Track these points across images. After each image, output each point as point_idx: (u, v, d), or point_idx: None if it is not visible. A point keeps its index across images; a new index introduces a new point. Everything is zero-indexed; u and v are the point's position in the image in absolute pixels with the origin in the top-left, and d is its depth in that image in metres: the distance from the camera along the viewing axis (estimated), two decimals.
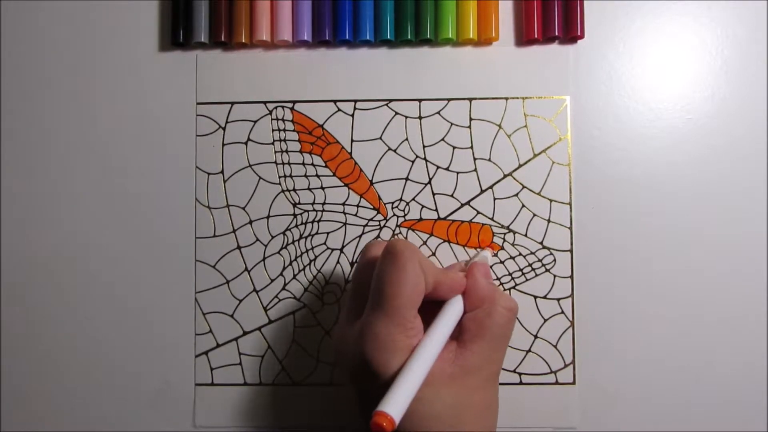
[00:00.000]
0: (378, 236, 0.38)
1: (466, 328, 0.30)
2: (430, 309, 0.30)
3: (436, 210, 0.38)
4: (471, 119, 0.38)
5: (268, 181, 0.38)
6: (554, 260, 0.37)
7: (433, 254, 0.38)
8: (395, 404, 0.25)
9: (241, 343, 0.38)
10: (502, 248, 0.38)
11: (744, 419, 0.37)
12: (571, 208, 0.38)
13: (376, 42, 0.38)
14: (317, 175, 0.38)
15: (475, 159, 0.38)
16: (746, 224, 0.37)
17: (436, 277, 0.29)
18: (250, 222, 0.38)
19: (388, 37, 0.37)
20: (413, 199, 0.38)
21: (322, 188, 0.38)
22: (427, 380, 0.27)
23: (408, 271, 0.28)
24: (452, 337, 0.30)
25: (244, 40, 0.38)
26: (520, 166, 0.38)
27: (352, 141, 0.38)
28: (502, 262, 0.38)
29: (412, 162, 0.38)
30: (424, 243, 0.38)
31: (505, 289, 0.37)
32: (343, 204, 0.38)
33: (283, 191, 0.38)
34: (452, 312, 0.30)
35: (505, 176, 0.38)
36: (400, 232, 0.38)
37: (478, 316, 0.30)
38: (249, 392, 0.38)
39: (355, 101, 0.38)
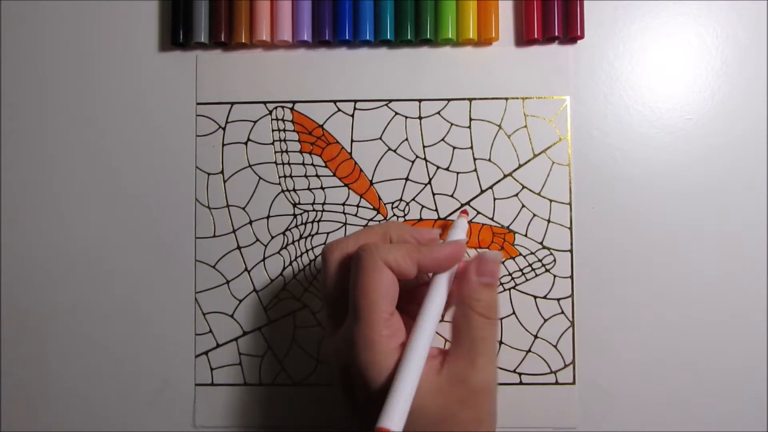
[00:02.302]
0: None
1: (451, 332, 0.29)
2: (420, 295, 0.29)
3: (436, 210, 0.38)
4: (471, 119, 0.38)
5: (268, 181, 0.38)
6: (554, 260, 0.37)
7: None
8: (394, 417, 0.24)
9: (241, 343, 0.38)
10: (500, 246, 0.38)
11: (744, 419, 0.37)
12: (571, 208, 0.38)
13: (376, 42, 0.38)
14: (317, 175, 0.38)
15: (475, 159, 0.38)
16: (746, 224, 0.37)
17: (417, 259, 0.28)
18: (250, 222, 0.38)
19: (388, 37, 0.37)
20: (413, 199, 0.38)
21: (322, 188, 0.38)
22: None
23: (370, 273, 0.27)
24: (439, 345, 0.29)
25: (244, 40, 0.38)
26: (520, 166, 0.38)
27: (352, 141, 0.38)
28: (502, 262, 0.38)
29: (412, 162, 0.38)
30: None
31: (504, 290, 0.37)
32: (343, 204, 0.38)
33: (283, 191, 0.38)
34: (433, 305, 0.28)
35: (505, 176, 0.38)
36: None
37: (456, 319, 0.29)
38: (249, 392, 0.38)
39: (355, 101, 0.38)
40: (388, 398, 0.25)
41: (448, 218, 0.38)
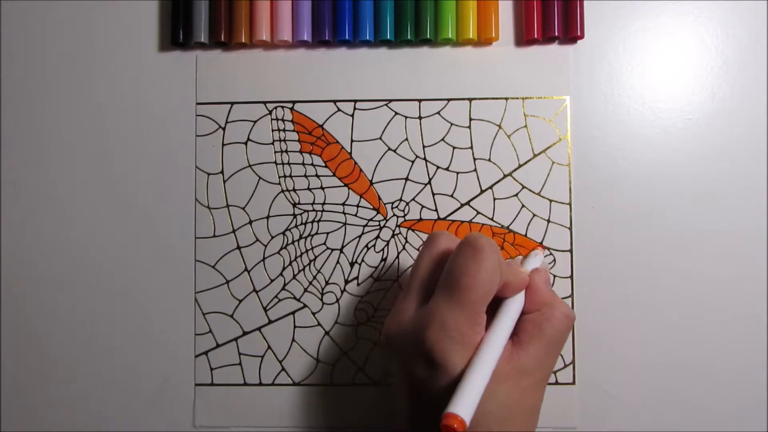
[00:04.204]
0: (378, 236, 0.38)
1: (524, 329, 0.30)
2: (489, 306, 0.30)
3: (436, 210, 0.38)
4: (471, 119, 0.38)
5: (268, 181, 0.38)
6: (554, 260, 0.37)
7: None
8: (465, 405, 0.25)
9: (241, 343, 0.38)
10: (499, 245, 0.38)
11: (744, 419, 0.37)
12: (570, 208, 0.38)
13: (376, 42, 0.38)
14: (317, 175, 0.38)
15: (474, 159, 0.38)
16: (746, 224, 0.37)
17: (505, 276, 0.30)
18: (250, 222, 0.38)
19: (388, 37, 0.37)
20: (413, 199, 0.38)
21: (322, 188, 0.38)
22: None
23: (487, 267, 0.28)
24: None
25: (244, 40, 0.38)
26: (520, 166, 0.38)
27: (352, 141, 0.38)
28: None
29: (412, 162, 0.38)
30: None
31: None
32: (343, 204, 0.38)
33: (283, 191, 0.38)
34: (514, 310, 0.30)
35: (504, 176, 0.38)
36: (400, 233, 0.38)
37: (537, 319, 0.30)
38: (249, 392, 0.38)
39: (355, 101, 0.38)
40: (461, 385, 0.26)
41: (448, 218, 0.38)
